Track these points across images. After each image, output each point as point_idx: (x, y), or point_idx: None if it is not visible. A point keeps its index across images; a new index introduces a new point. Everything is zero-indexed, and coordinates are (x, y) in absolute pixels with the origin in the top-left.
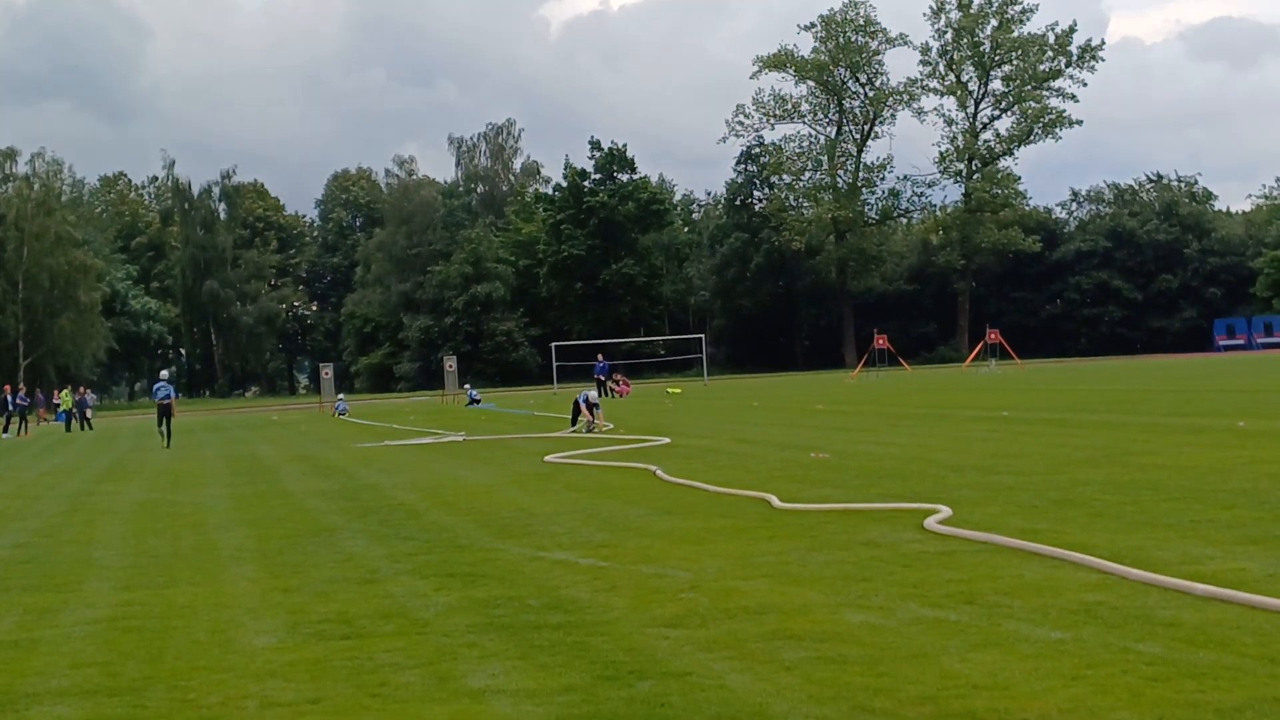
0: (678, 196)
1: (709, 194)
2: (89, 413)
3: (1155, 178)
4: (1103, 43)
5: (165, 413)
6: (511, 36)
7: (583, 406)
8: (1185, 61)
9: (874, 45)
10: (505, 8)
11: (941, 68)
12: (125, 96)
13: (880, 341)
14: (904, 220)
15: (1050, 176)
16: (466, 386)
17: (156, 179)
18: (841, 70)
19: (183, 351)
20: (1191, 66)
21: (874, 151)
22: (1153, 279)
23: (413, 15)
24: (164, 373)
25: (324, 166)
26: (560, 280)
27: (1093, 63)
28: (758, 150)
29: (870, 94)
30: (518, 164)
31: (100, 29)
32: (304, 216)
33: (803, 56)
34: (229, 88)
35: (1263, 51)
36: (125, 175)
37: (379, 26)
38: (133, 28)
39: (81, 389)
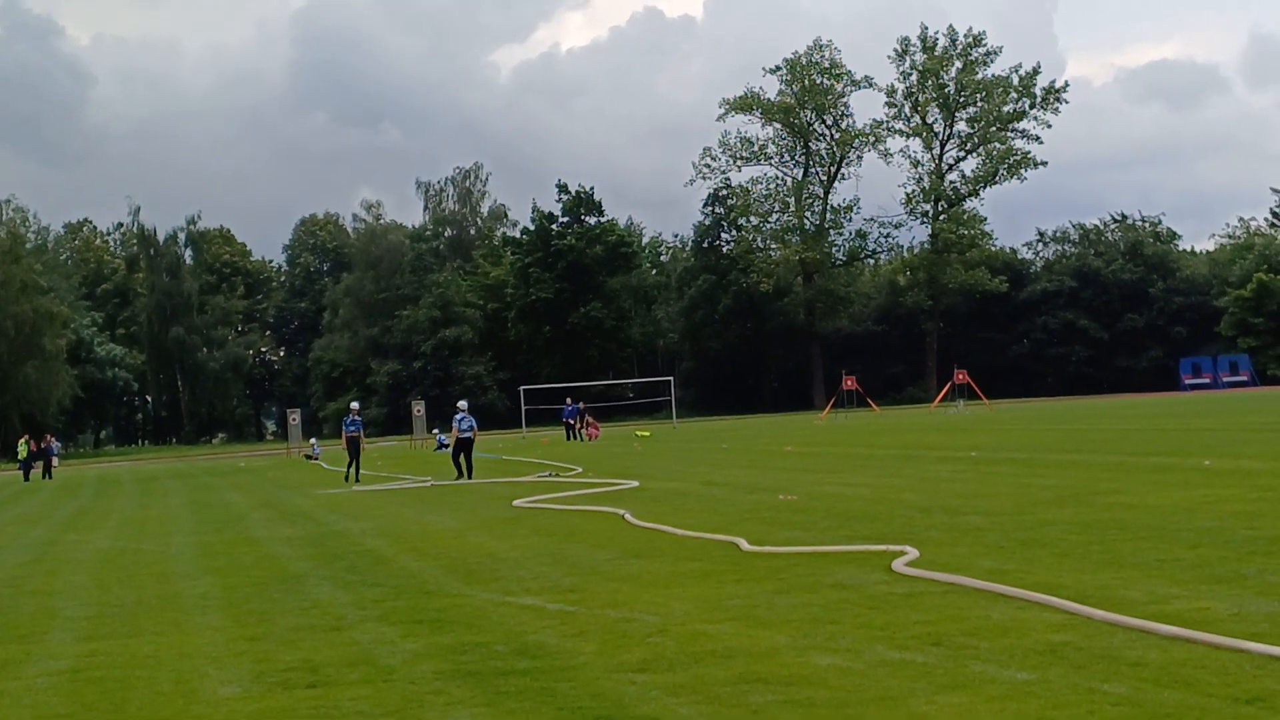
0: (646, 239)
1: (676, 236)
2: (55, 461)
3: (1120, 218)
4: (1066, 85)
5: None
6: (458, 79)
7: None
8: (1130, 104)
9: (839, 88)
10: (451, 52)
11: (907, 109)
12: (70, 141)
13: (848, 383)
14: (871, 261)
15: (1007, 218)
16: (435, 431)
17: (122, 225)
18: (807, 112)
19: (148, 398)
20: (1137, 109)
21: (841, 193)
22: (1119, 318)
23: (356, 60)
24: (462, 403)
25: (278, 210)
26: (528, 323)
27: (1056, 104)
28: (725, 192)
29: (836, 136)
30: (485, 208)
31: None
32: (271, 261)
33: (769, 99)
34: (175, 132)
35: (1204, 90)
36: (90, 222)
37: (321, 70)
38: (75, 74)
39: (47, 436)
